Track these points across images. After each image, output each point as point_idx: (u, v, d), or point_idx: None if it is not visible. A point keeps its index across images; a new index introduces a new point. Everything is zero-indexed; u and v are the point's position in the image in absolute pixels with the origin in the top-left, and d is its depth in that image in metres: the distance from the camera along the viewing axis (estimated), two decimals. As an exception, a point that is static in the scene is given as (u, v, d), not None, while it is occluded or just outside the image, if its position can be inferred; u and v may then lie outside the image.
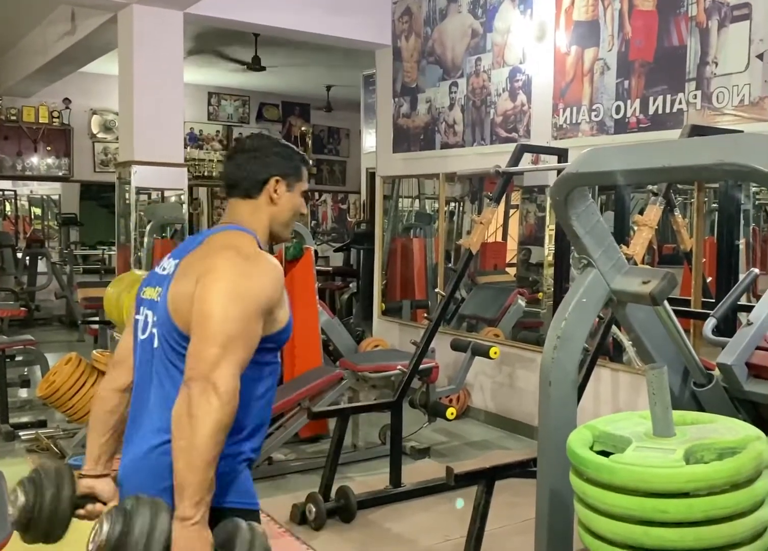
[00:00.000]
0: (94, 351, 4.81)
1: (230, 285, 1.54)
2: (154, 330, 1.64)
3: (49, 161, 10.03)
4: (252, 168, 1.75)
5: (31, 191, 11.17)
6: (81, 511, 1.69)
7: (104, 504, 1.72)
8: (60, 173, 10.15)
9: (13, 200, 11.03)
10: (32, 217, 11.38)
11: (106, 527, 1.43)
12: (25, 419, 5.35)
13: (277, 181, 1.75)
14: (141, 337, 1.69)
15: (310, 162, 1.87)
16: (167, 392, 1.59)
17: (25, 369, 6.34)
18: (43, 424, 5.18)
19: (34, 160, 9.94)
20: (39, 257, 9.76)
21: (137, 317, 1.72)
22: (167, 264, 1.71)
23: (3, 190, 10.71)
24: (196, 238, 1.75)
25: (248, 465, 1.68)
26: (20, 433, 5.01)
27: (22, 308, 7.26)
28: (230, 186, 1.78)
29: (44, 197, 11.17)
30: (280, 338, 1.68)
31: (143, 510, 1.44)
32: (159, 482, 1.55)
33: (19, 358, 5.91)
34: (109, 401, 1.75)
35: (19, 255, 9.92)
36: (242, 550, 1.45)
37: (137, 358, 1.71)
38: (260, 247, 1.70)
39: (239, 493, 1.63)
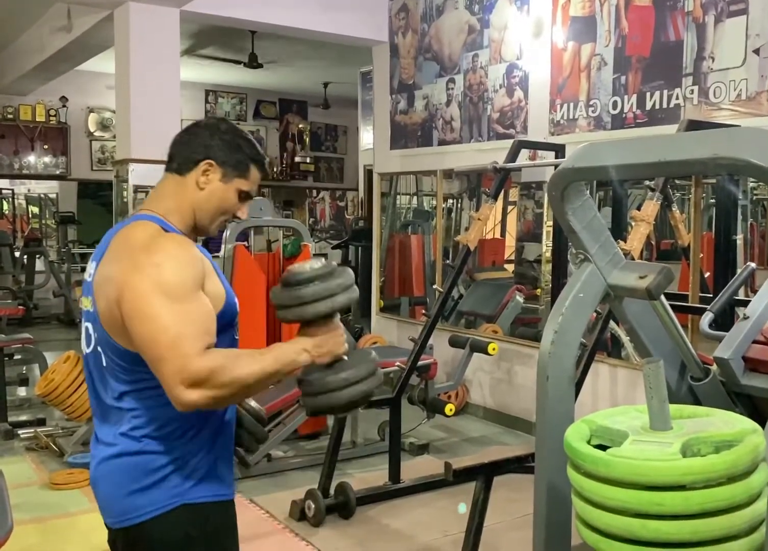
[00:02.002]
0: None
1: (148, 295, 1.46)
2: (98, 348, 1.60)
3: (47, 159, 10.02)
4: (192, 144, 1.64)
5: (29, 190, 11.15)
6: None
7: None
8: (57, 172, 10.14)
9: (10, 199, 11.01)
10: (30, 216, 11.37)
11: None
12: (24, 417, 5.36)
13: (210, 165, 1.62)
14: (86, 350, 1.66)
15: (266, 166, 1.73)
16: (109, 405, 1.60)
17: (24, 368, 6.35)
18: (42, 422, 5.19)
19: (32, 158, 9.93)
20: (37, 256, 9.76)
21: (82, 325, 1.66)
22: (90, 269, 1.64)
23: (0, 189, 10.70)
24: (108, 236, 1.64)
25: (223, 453, 1.65)
26: (19, 431, 5.01)
27: (20, 307, 7.24)
28: (168, 159, 1.67)
29: (42, 195, 11.16)
30: (224, 318, 1.60)
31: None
32: (122, 487, 1.58)
33: (17, 357, 5.92)
34: None
35: (17, 254, 9.91)
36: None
37: (85, 368, 1.69)
38: (165, 228, 1.58)
39: (213, 487, 1.62)
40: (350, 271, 1.62)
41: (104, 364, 1.59)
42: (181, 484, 1.58)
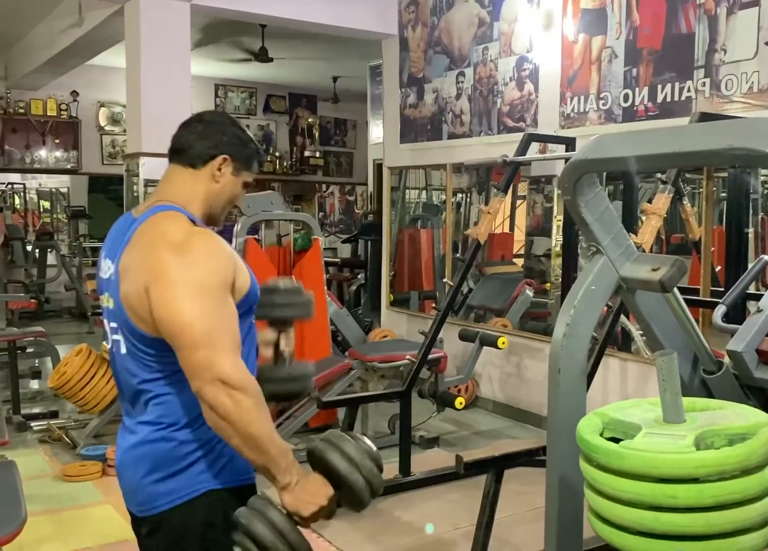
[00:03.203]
0: (104, 342, 4.83)
1: (184, 286, 1.50)
2: (122, 338, 1.61)
3: (58, 153, 10.04)
4: (205, 139, 1.69)
5: (40, 184, 11.20)
6: None
7: None
8: (68, 166, 10.16)
9: (22, 193, 11.06)
10: (41, 210, 11.42)
11: None
12: (36, 410, 5.39)
13: (225, 159, 1.69)
14: (108, 345, 1.69)
15: (264, 158, 1.84)
16: (133, 394, 1.63)
17: (36, 361, 6.40)
18: (54, 415, 5.22)
19: (43, 153, 9.96)
20: (48, 250, 9.81)
21: (105, 323, 1.69)
22: (105, 266, 1.66)
23: (12, 183, 10.74)
24: (123, 229, 1.66)
25: None
26: (32, 424, 5.05)
27: (33, 301, 7.29)
28: (175, 151, 1.71)
29: (53, 189, 11.21)
30: (248, 302, 1.64)
31: (258, 525, 1.48)
32: (147, 475, 1.59)
33: (30, 350, 5.97)
34: None
35: (29, 248, 9.97)
36: (344, 466, 1.51)
37: (111, 363, 1.72)
38: (194, 222, 1.62)
39: (237, 472, 1.63)
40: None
41: (127, 352, 1.61)
42: (205, 471, 1.59)
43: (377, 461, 1.56)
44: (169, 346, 1.51)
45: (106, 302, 1.66)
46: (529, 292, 5.78)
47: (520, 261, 6.23)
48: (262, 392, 1.54)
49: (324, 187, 12.30)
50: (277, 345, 1.84)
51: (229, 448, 1.59)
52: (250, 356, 1.69)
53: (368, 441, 1.60)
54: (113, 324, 1.63)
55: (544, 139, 5.00)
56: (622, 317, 3.72)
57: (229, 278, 1.56)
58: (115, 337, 1.64)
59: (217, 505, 1.60)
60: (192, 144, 1.69)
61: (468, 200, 6.60)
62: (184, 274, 1.50)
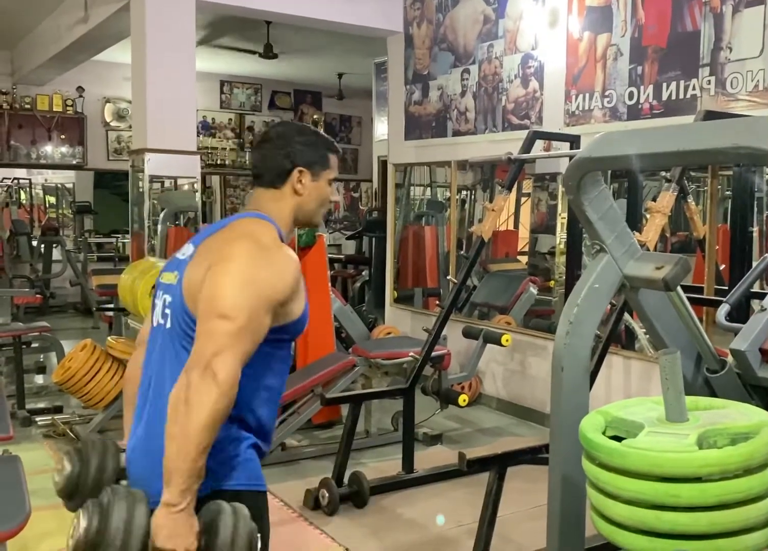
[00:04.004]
0: (108, 338, 4.85)
1: (243, 272, 1.53)
2: (168, 312, 1.64)
3: (63, 149, 10.06)
4: (276, 158, 1.73)
5: (46, 180, 11.21)
6: (123, 482, 1.69)
7: None
8: (74, 162, 10.17)
9: (27, 189, 11.08)
10: (47, 205, 11.44)
11: (83, 522, 1.45)
12: (41, 405, 5.40)
13: (300, 172, 1.73)
14: (157, 321, 1.69)
15: (339, 149, 1.86)
16: (176, 375, 1.59)
17: (41, 356, 6.40)
18: (59, 410, 5.23)
19: (48, 148, 9.97)
20: (54, 245, 9.82)
21: (155, 301, 1.72)
22: (186, 249, 1.71)
23: (18, 178, 10.75)
24: (218, 224, 1.74)
25: (257, 451, 1.67)
26: (37, 419, 5.05)
27: (38, 296, 7.30)
28: (255, 176, 1.77)
29: (58, 185, 11.22)
30: (295, 329, 1.66)
31: (120, 504, 1.45)
32: (155, 470, 1.55)
33: (35, 345, 5.97)
34: (137, 379, 1.76)
35: (34, 243, 9.99)
36: (225, 534, 1.45)
37: (150, 341, 1.72)
38: (281, 238, 1.67)
39: (248, 476, 1.63)
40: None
41: (169, 332, 1.62)
42: (214, 471, 1.56)
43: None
44: None
45: (168, 278, 1.68)
46: (533, 289, 5.78)
47: (524, 259, 6.22)
48: None
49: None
50: None
51: (241, 450, 1.61)
52: (280, 382, 1.69)
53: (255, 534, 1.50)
54: (169, 298, 1.65)
55: (549, 136, 4.99)
56: (626, 315, 3.72)
57: (283, 297, 1.57)
58: (166, 311, 1.65)
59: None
60: (266, 166, 1.74)
61: (472, 197, 6.60)
62: (250, 269, 1.54)
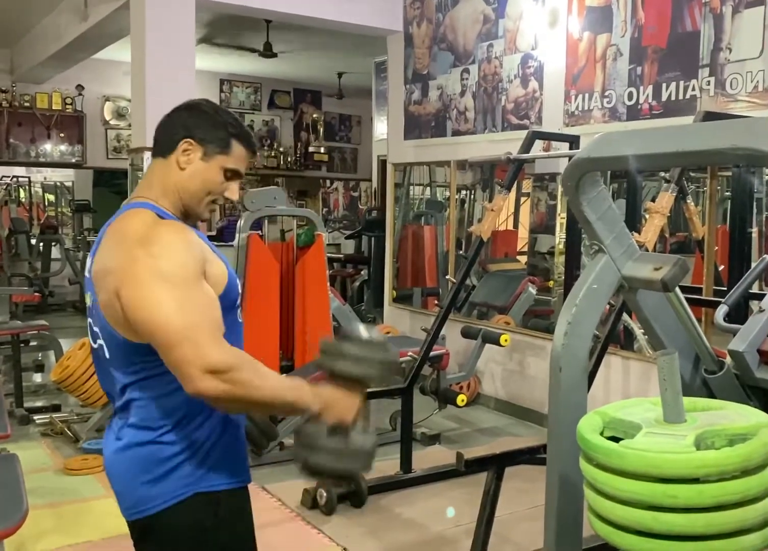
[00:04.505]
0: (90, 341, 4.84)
1: (151, 282, 1.43)
2: (102, 342, 1.59)
3: (63, 147, 10.05)
4: (172, 126, 1.61)
5: (45, 178, 11.22)
6: None
7: None
8: (73, 160, 10.17)
9: (27, 187, 11.08)
10: (46, 203, 11.44)
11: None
12: (39, 403, 5.40)
13: (189, 143, 1.58)
14: (93, 346, 1.65)
15: (255, 144, 1.67)
16: (116, 397, 1.60)
17: (39, 354, 6.41)
18: (57, 408, 5.23)
19: (48, 146, 9.97)
20: (53, 244, 9.83)
21: (90, 326, 1.65)
22: (88, 264, 1.62)
23: (17, 176, 10.76)
24: (104, 227, 1.61)
25: (232, 437, 1.63)
26: (35, 417, 5.05)
27: (36, 294, 7.29)
28: (153, 142, 1.65)
29: (57, 183, 11.22)
30: (227, 298, 1.57)
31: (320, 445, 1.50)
32: (134, 479, 1.57)
33: (33, 343, 5.97)
34: None
35: (33, 241, 9.98)
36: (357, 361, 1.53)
37: (94, 363, 1.69)
38: (161, 215, 1.55)
39: (229, 474, 1.61)
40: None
41: (108, 357, 1.59)
42: (192, 473, 1.56)
43: (382, 346, 1.59)
44: (150, 348, 1.46)
45: (88, 300, 1.62)
46: (532, 289, 5.78)
47: (523, 259, 6.22)
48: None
49: (328, 183, 12.29)
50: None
51: (217, 449, 1.58)
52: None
53: (364, 332, 1.59)
54: (95, 328, 1.60)
55: (548, 136, 4.99)
56: (625, 316, 3.71)
57: (198, 266, 1.49)
58: (98, 340, 1.61)
59: (206, 507, 1.57)
60: (161, 132, 1.62)
61: (472, 197, 6.60)
62: (148, 270, 1.44)
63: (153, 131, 1.66)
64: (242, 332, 1.70)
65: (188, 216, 1.64)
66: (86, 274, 1.63)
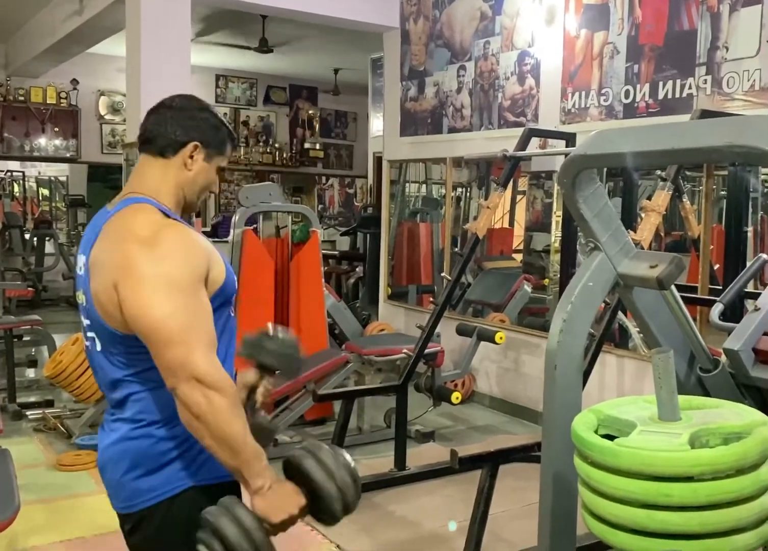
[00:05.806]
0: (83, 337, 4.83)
1: (154, 282, 1.46)
2: (95, 337, 1.59)
3: (57, 142, 10.02)
4: (173, 126, 1.63)
5: (39, 172, 11.17)
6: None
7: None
8: (68, 155, 10.14)
9: (21, 181, 11.04)
10: (40, 198, 11.40)
11: None
12: (32, 398, 5.39)
13: (196, 146, 1.64)
14: (86, 342, 1.66)
15: (237, 142, 1.78)
16: (110, 392, 1.61)
17: (33, 349, 6.39)
18: (50, 404, 5.22)
19: (42, 141, 9.94)
20: (47, 238, 9.80)
21: (82, 322, 1.66)
22: (79, 262, 1.62)
23: (11, 171, 10.71)
24: (96, 223, 1.62)
25: None
26: (27, 412, 5.04)
27: (30, 289, 7.28)
28: (145, 141, 1.65)
29: (52, 178, 11.18)
30: (223, 294, 1.60)
31: (224, 521, 1.43)
32: (128, 473, 1.57)
33: (26, 338, 5.96)
34: None
35: (27, 236, 9.95)
36: (319, 475, 1.47)
37: (88, 359, 1.70)
38: (166, 214, 1.58)
39: (216, 469, 1.58)
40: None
41: (102, 350, 1.59)
42: (186, 467, 1.57)
43: (354, 475, 1.50)
44: (143, 343, 1.48)
45: (80, 298, 1.63)
46: (528, 287, 5.78)
47: (519, 256, 6.22)
48: (253, 360, 1.57)
49: (324, 179, 12.28)
50: (252, 390, 1.70)
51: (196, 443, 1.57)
52: (230, 350, 1.65)
53: (347, 455, 1.54)
54: (87, 322, 1.61)
55: (545, 134, 4.99)
56: (620, 314, 3.71)
57: (202, 272, 1.52)
58: (90, 334, 1.61)
59: (199, 502, 1.55)
60: (161, 132, 1.64)
61: (468, 194, 6.59)
62: (153, 269, 1.46)
63: (144, 126, 1.66)
64: (236, 327, 1.71)
65: (185, 210, 1.70)
66: (78, 271, 1.63)
